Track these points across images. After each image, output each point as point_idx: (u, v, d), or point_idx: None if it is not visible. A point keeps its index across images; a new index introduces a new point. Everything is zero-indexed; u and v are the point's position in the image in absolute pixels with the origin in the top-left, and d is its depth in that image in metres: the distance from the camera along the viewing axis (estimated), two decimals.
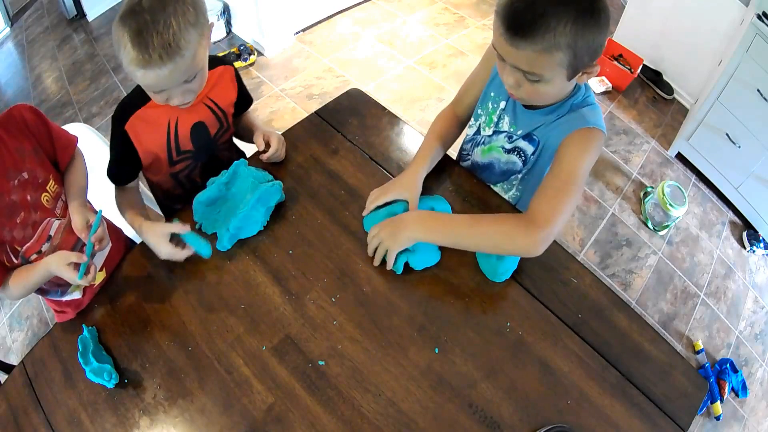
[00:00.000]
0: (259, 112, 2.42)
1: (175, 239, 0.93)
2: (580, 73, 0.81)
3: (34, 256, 0.90)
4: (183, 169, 1.09)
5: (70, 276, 0.82)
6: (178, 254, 0.92)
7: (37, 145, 0.89)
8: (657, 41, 2.56)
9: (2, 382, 0.88)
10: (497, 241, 0.87)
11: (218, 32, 2.73)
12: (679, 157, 2.39)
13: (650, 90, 2.68)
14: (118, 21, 0.81)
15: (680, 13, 2.39)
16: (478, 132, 1.10)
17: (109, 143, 1.01)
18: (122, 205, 1.05)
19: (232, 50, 2.61)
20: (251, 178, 1.02)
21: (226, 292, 0.94)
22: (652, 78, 2.66)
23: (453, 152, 1.19)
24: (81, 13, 3.00)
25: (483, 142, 1.09)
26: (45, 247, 0.92)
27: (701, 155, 2.26)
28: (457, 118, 1.14)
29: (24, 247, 0.88)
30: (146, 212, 1.06)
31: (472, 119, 1.11)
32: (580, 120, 0.88)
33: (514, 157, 1.03)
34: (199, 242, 0.93)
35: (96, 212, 0.90)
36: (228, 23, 2.78)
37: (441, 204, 1.02)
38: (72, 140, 0.99)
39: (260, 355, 0.86)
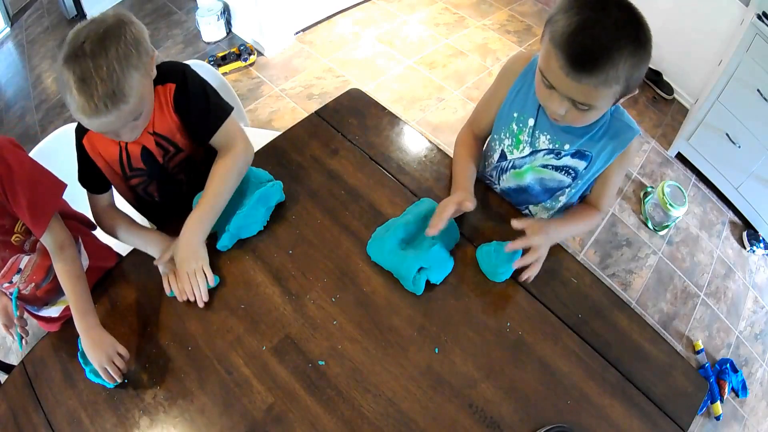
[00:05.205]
0: (259, 112, 2.41)
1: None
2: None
3: (5, 285, 0.93)
4: (138, 184, 1.05)
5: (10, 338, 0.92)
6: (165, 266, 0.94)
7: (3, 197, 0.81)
8: (657, 41, 2.51)
9: (2, 382, 0.88)
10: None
11: (218, 32, 2.73)
12: (679, 157, 2.39)
13: (650, 90, 2.68)
14: (62, 63, 0.77)
15: (680, 13, 2.38)
16: (503, 157, 1.05)
17: None
18: (105, 221, 1.01)
19: (232, 50, 2.61)
20: (251, 177, 1.02)
21: (226, 292, 0.94)
22: (652, 78, 2.66)
23: None
24: (81, 13, 2.99)
25: (514, 166, 1.04)
26: (15, 278, 0.93)
27: (701, 155, 2.26)
28: (476, 139, 1.11)
29: None
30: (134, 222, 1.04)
31: (493, 145, 1.08)
32: (627, 130, 0.93)
33: (561, 176, 1.00)
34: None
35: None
36: (228, 23, 2.77)
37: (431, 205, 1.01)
38: (47, 214, 0.85)
39: (260, 355, 0.86)
